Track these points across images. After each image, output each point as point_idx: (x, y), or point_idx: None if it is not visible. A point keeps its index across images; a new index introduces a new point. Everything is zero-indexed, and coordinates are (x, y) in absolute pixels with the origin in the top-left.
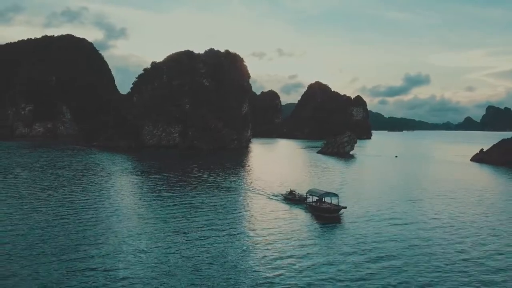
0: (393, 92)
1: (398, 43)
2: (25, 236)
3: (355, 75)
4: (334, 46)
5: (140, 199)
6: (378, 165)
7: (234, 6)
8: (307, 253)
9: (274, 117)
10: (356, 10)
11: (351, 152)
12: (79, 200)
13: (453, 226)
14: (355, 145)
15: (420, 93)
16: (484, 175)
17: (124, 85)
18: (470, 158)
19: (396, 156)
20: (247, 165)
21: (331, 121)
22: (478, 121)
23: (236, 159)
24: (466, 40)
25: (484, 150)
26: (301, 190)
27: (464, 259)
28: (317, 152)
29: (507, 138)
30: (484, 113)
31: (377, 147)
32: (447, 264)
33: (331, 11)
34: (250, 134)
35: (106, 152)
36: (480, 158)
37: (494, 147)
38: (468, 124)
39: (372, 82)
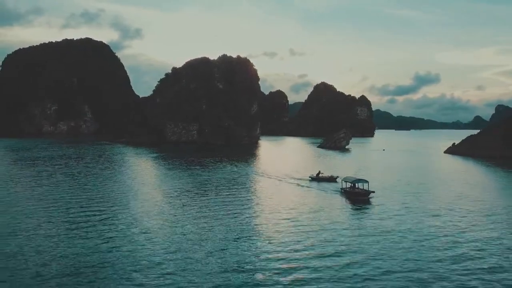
0: (402, 91)
1: (408, 41)
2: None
3: (364, 73)
4: (343, 44)
5: (168, 181)
6: (366, 156)
7: (244, 5)
8: (344, 229)
9: (281, 116)
10: (366, 8)
11: (346, 147)
12: (128, 177)
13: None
14: (351, 140)
15: (430, 92)
16: (449, 163)
17: (136, 84)
18: (443, 151)
19: (384, 150)
20: (260, 156)
21: (336, 120)
22: (488, 120)
23: (250, 152)
24: (476, 38)
25: (456, 144)
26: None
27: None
28: (317, 147)
29: (474, 134)
30: (494, 112)
31: (374, 143)
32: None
33: (341, 10)
34: (259, 132)
35: (133, 147)
36: (451, 150)
37: (463, 141)
38: (477, 123)
39: (382, 81)
